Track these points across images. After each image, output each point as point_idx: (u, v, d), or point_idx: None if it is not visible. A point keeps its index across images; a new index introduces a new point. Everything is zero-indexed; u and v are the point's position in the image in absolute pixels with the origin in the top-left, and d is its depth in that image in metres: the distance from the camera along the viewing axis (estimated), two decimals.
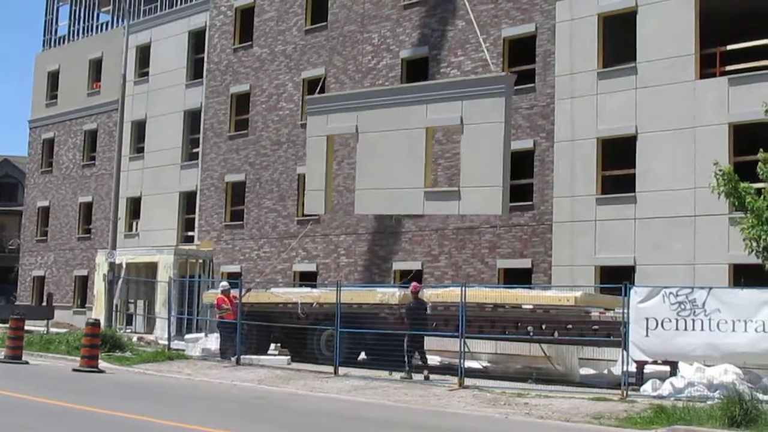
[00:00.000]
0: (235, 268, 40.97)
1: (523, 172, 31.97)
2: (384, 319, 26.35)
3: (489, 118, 26.71)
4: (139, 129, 48.13)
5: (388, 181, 29.11)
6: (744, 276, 25.23)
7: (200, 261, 41.75)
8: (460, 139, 28.62)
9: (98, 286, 41.93)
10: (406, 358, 24.22)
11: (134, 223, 47.92)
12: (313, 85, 38.69)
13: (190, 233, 44.74)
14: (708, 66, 29.04)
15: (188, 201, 45.13)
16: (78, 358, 26.03)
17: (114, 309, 39.86)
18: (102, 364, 26.08)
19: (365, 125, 29.92)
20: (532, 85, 32.05)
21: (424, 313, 24.57)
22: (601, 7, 30.75)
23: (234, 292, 28.54)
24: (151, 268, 41.55)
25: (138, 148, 48.08)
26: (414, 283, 25.41)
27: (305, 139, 38.41)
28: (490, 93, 26.99)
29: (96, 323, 26.76)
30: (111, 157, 45.55)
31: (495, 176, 26.47)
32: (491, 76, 28.94)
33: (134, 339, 35.70)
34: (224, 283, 29.56)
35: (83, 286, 50.47)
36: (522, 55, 32.85)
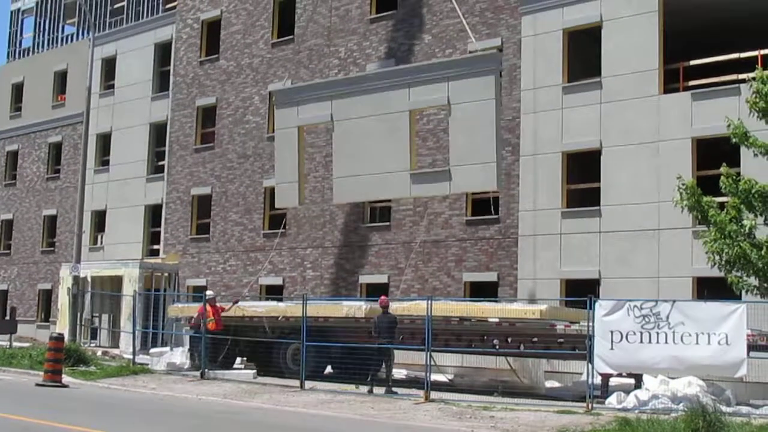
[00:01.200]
0: (200, 281, 40.79)
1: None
2: (350, 333, 26.32)
3: (479, 96, 26.66)
4: (105, 142, 47.84)
5: (369, 168, 28.75)
6: (707, 289, 25.47)
7: (166, 274, 41.52)
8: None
9: (62, 300, 41.60)
10: (370, 373, 24.21)
11: (99, 237, 47.60)
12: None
13: (155, 246, 44.50)
14: (671, 81, 29.33)
15: (154, 214, 44.90)
16: (41, 373, 25.79)
17: (85, 323, 39.63)
18: (66, 378, 25.87)
19: (340, 114, 29.61)
20: None
21: (394, 326, 24.55)
22: (567, 22, 30.96)
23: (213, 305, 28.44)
24: (116, 281, 41.28)
25: (103, 161, 47.80)
26: (382, 297, 25.41)
27: (271, 152, 38.47)
28: (478, 72, 26.95)
29: (60, 337, 26.54)
30: (76, 170, 45.25)
31: (489, 153, 26.46)
32: (478, 54, 29.01)
33: (99, 353, 35.43)
34: (210, 293, 29.39)
35: (47, 299, 50.03)
36: None
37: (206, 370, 27.55)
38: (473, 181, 27.51)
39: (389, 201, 34.54)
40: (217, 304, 28.76)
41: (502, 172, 27.75)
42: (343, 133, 29.63)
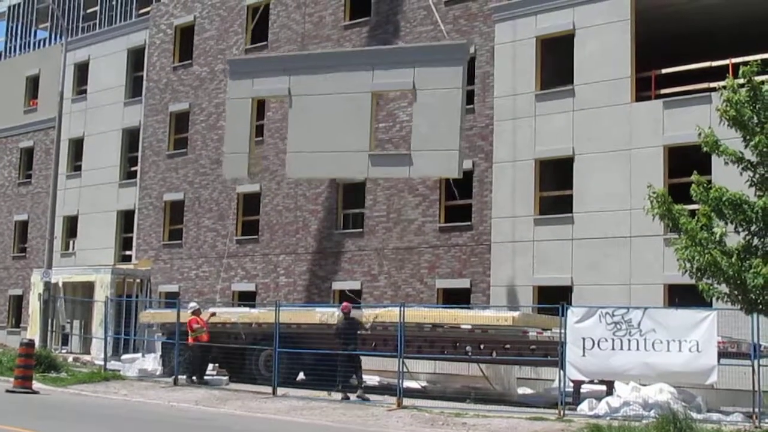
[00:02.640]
0: (173, 287, 40.62)
1: (461, 193, 32.15)
2: (323, 340, 26.30)
3: (446, 84, 26.66)
4: (77, 147, 47.57)
5: (326, 145, 28.51)
6: (678, 296, 25.62)
7: (138, 280, 41.33)
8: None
9: (33, 306, 41.31)
10: (338, 379, 24.23)
11: (71, 242, 47.30)
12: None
13: (127, 252, 44.27)
14: (643, 89, 29.51)
15: (126, 220, 44.67)
16: (12, 379, 25.60)
17: (56, 329, 39.34)
18: (36, 385, 25.68)
19: (299, 89, 29.34)
20: (471, 106, 32.24)
21: (355, 332, 24.56)
22: (540, 30, 31.10)
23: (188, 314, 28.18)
24: (88, 287, 41.04)
25: (75, 166, 47.51)
26: (344, 303, 25.44)
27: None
28: (446, 61, 26.95)
29: (30, 343, 26.36)
30: (47, 175, 44.98)
31: (452, 141, 26.49)
32: (447, 43, 29.02)
33: (70, 359, 35.22)
34: (193, 304, 29.08)
35: (18, 305, 49.65)
36: None
37: (179, 376, 27.44)
38: (434, 167, 27.48)
39: (363, 207, 34.54)
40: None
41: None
42: (301, 109, 29.21)
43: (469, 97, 32.43)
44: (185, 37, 42.93)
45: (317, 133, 28.53)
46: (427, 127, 26.97)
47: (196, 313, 28.02)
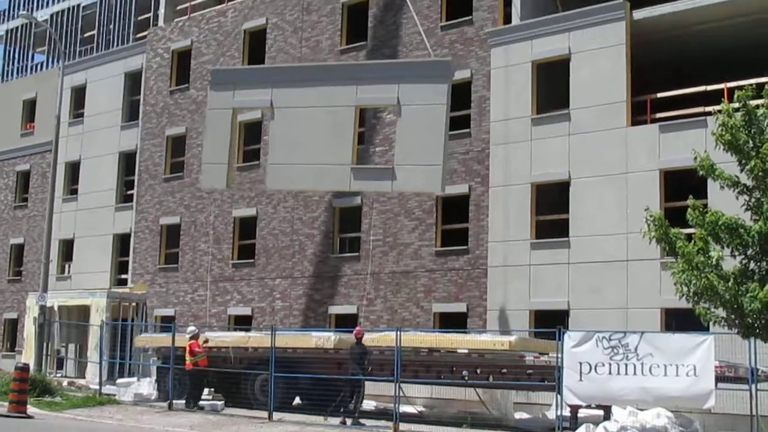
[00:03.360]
0: (169, 311, 40.52)
1: (458, 217, 32.17)
2: (319, 364, 26.21)
3: (430, 100, 26.56)
4: (73, 170, 47.57)
5: (308, 158, 28.31)
6: (675, 320, 25.56)
7: (133, 304, 41.20)
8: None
9: (28, 330, 41.16)
10: (340, 404, 24.10)
11: (67, 266, 47.21)
12: (250, 128, 38.68)
13: (123, 276, 44.19)
14: (639, 113, 29.58)
15: (122, 243, 44.61)
16: (6, 403, 25.46)
17: (51, 353, 39.13)
18: (31, 409, 25.54)
19: (281, 101, 29.20)
20: (467, 130, 32.35)
21: (365, 358, 24.45)
22: (535, 55, 31.20)
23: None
24: (84, 311, 40.90)
25: (72, 190, 47.50)
26: (357, 328, 25.33)
27: (241, 181, 38.42)
28: (431, 77, 26.89)
29: (25, 367, 26.25)
30: (44, 199, 44.94)
31: (436, 156, 26.39)
32: (432, 60, 28.96)
33: (65, 383, 35.03)
34: (192, 328, 28.80)
35: (13, 329, 49.49)
36: (458, 100, 33.10)
37: (173, 401, 27.31)
38: (417, 182, 27.31)
39: (359, 231, 34.52)
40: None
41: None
42: (283, 121, 29.04)
43: (465, 121, 32.55)
44: (182, 61, 43.01)
45: (299, 146, 28.26)
46: (410, 142, 26.82)
47: (195, 337, 27.83)
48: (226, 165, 29.55)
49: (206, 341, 28.29)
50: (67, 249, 47.18)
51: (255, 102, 29.93)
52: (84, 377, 38.71)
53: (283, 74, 30.11)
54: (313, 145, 27.91)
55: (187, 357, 27.43)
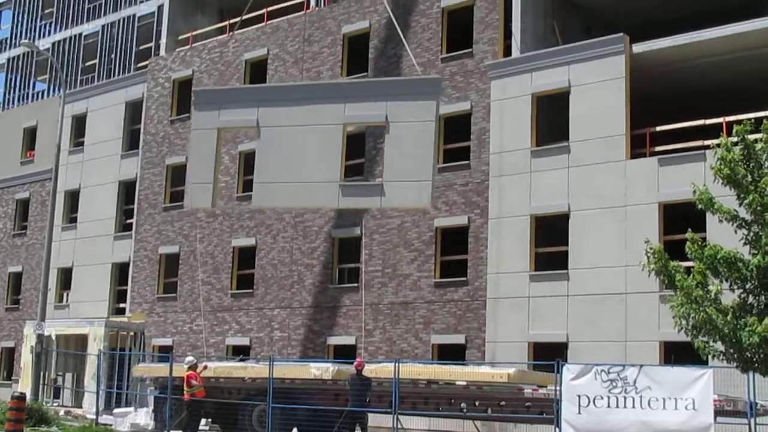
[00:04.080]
0: (167, 341, 40.44)
1: (457, 248, 32.18)
2: (318, 395, 26.12)
3: (419, 117, 26.46)
4: (73, 199, 47.61)
5: (295, 175, 28.16)
6: (674, 353, 25.53)
7: (131, 333, 41.06)
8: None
9: (25, 359, 41.01)
10: None
11: (65, 294, 47.14)
12: (249, 157, 38.69)
13: (121, 305, 44.13)
14: (638, 146, 29.67)
15: (121, 272, 44.57)
16: None
17: (48, 382, 38.97)
18: None
19: (267, 120, 29.10)
20: (467, 162, 32.43)
21: (367, 390, 24.32)
22: (535, 87, 31.33)
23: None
24: (81, 340, 40.77)
25: (71, 218, 47.50)
26: (358, 360, 25.24)
27: (241, 212, 38.49)
28: (420, 94, 26.83)
29: (21, 396, 26.10)
30: (43, 227, 44.95)
31: (425, 171, 26.27)
32: (419, 78, 28.89)
33: (61, 413, 34.86)
34: (191, 358, 28.47)
35: (10, 358, 49.33)
36: (457, 132, 33.27)
37: (170, 431, 27.18)
38: (406, 198, 27.13)
39: (358, 262, 34.50)
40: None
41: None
42: (269, 140, 28.94)
43: (465, 153, 32.65)
44: (183, 91, 43.14)
45: (286, 164, 28.04)
46: (399, 159, 26.68)
47: (193, 367, 27.56)
48: (211, 185, 29.30)
49: (205, 368, 28.15)
50: (66, 277, 47.14)
51: (240, 122, 29.72)
52: (81, 407, 38.53)
53: (268, 93, 29.92)
54: (301, 163, 27.68)
55: (185, 388, 27.27)
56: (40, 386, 36.26)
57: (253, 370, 28.25)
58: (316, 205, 31.42)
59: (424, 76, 29.73)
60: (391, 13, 31.63)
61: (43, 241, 39.56)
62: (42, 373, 36.78)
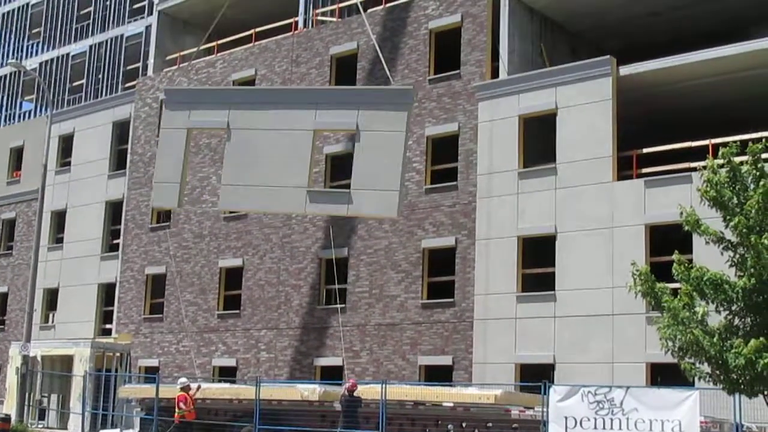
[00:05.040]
0: (153, 362, 40.28)
1: (444, 269, 32.20)
2: (304, 417, 26.06)
3: (390, 127, 26.35)
4: (59, 219, 47.46)
5: (263, 180, 28.01)
6: (661, 375, 25.58)
7: (117, 354, 40.97)
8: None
9: (10, 380, 40.83)
10: None
11: (51, 315, 46.94)
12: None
13: (108, 326, 43.96)
14: (625, 168, 29.79)
15: (107, 293, 44.42)
16: None
17: (33, 403, 38.76)
18: None
19: (238, 123, 28.97)
20: (454, 183, 32.50)
21: (358, 407, 24.30)
22: (522, 109, 31.45)
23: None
24: (67, 360, 40.65)
25: (57, 238, 47.34)
26: (351, 381, 25.17)
27: (228, 232, 38.46)
28: (391, 104, 26.76)
29: (6, 418, 26.08)
30: (29, 247, 44.81)
31: (393, 181, 26.18)
32: (393, 88, 28.85)
33: None
34: (183, 380, 28.26)
35: None
36: (445, 153, 33.36)
37: None
38: (373, 207, 26.99)
39: (345, 283, 34.48)
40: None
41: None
42: (239, 143, 28.78)
43: (452, 174, 32.72)
44: None
45: (254, 168, 27.84)
46: (368, 168, 26.50)
47: (186, 389, 27.30)
48: (178, 184, 29.10)
49: (199, 388, 27.99)
50: (52, 298, 46.95)
51: (211, 122, 29.52)
52: (66, 428, 38.41)
53: (240, 96, 29.87)
54: (269, 168, 27.45)
55: (176, 409, 27.08)
56: (26, 407, 36.08)
57: (240, 391, 28.17)
58: (282, 210, 31.11)
59: (397, 86, 29.67)
60: (370, 30, 31.64)
61: (29, 262, 39.45)
62: (27, 395, 36.61)
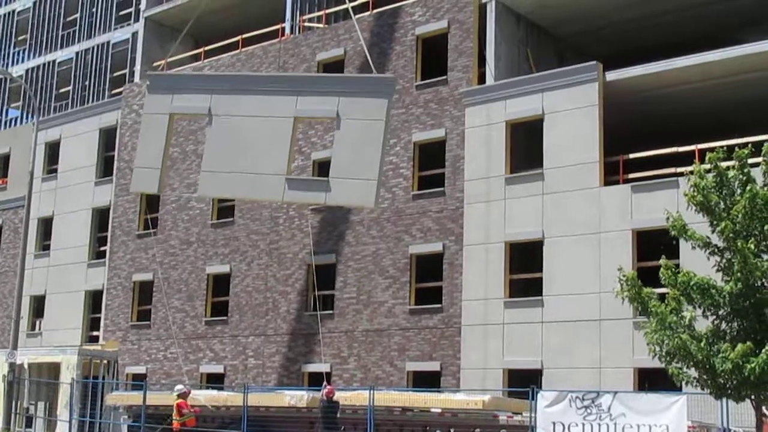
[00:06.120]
0: (140, 369, 40.15)
1: (432, 275, 32.20)
2: (292, 423, 26.02)
3: (370, 115, 26.15)
4: (46, 226, 47.32)
5: (242, 166, 27.84)
6: (649, 380, 25.61)
7: (105, 362, 40.83)
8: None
9: None
10: None
11: (37, 322, 46.77)
12: None
13: (95, 333, 43.82)
14: (612, 173, 29.85)
15: (94, 300, 44.28)
16: None
17: (20, 411, 38.56)
18: None
19: (219, 109, 28.81)
20: (441, 189, 32.51)
21: (336, 410, 24.29)
22: (509, 115, 31.48)
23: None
24: (54, 368, 40.48)
25: (44, 246, 47.19)
26: (329, 388, 25.14)
27: (215, 238, 38.39)
28: (372, 93, 26.64)
29: None
30: (15, 254, 44.64)
31: (372, 170, 26.03)
32: (374, 76, 28.69)
33: None
34: (180, 387, 27.99)
35: None
36: (432, 159, 33.37)
37: None
38: (351, 196, 26.83)
39: (333, 289, 34.44)
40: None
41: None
42: (220, 128, 28.60)
43: (440, 180, 32.73)
44: None
45: (235, 154, 27.67)
46: (347, 156, 26.34)
47: (183, 396, 27.05)
48: (159, 170, 28.89)
49: (188, 393, 27.78)
50: (39, 305, 46.78)
51: (193, 108, 29.32)
52: None
53: (223, 82, 29.72)
54: (249, 155, 27.28)
55: (175, 417, 26.74)
56: (12, 415, 35.90)
57: (228, 398, 28.11)
58: (260, 197, 30.85)
59: (379, 75, 29.53)
60: (360, 33, 31.56)
61: (16, 269, 39.27)
62: (14, 402, 36.43)
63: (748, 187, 18.44)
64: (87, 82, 48.58)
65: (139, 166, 29.11)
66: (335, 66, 36.67)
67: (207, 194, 31.59)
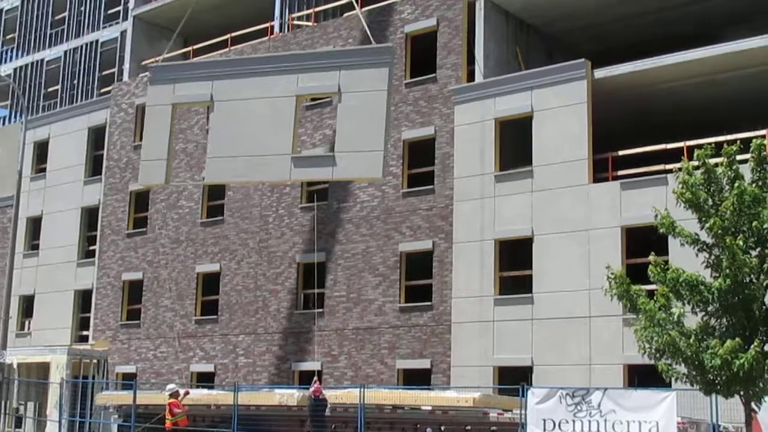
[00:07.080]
0: (130, 368, 40.09)
1: (422, 273, 32.22)
2: (283, 421, 26.03)
3: (372, 86, 26.08)
4: (35, 225, 47.21)
5: (248, 149, 27.76)
6: (638, 376, 25.67)
7: (94, 361, 40.74)
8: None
9: None
10: None
11: (27, 322, 46.66)
12: (213, 186, 38.64)
13: (84, 332, 43.73)
14: (601, 170, 29.90)
15: (83, 299, 44.19)
16: None
17: (9, 411, 38.46)
18: None
19: (221, 95, 28.75)
20: (431, 186, 32.53)
21: (324, 408, 24.31)
22: (499, 112, 31.52)
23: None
24: (43, 368, 40.39)
25: (33, 245, 47.08)
26: (316, 386, 25.15)
27: (205, 237, 38.35)
28: (372, 63, 26.55)
29: None
30: (4, 254, 44.52)
31: (377, 141, 25.94)
32: (372, 47, 28.64)
33: None
34: (171, 386, 27.80)
35: None
36: (421, 156, 33.38)
37: None
38: (358, 169, 26.72)
39: (323, 287, 34.44)
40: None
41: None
42: (223, 114, 28.50)
43: (429, 178, 32.75)
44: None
45: (239, 138, 27.62)
46: (351, 129, 26.27)
47: (175, 395, 26.95)
48: (165, 161, 28.85)
49: (187, 393, 27.74)
50: (28, 305, 46.67)
51: (195, 96, 29.30)
52: None
53: (222, 67, 29.69)
54: (254, 137, 27.21)
55: (167, 416, 26.63)
56: (2, 415, 35.85)
57: (218, 397, 28.10)
58: (268, 179, 30.81)
59: (377, 45, 29.45)
60: (365, 24, 31.51)
61: (5, 268, 39.19)
62: (3, 402, 36.37)
63: (736, 184, 18.52)
64: (75, 81, 48.48)
65: (145, 159, 29.10)
66: None
67: (214, 181, 31.42)
